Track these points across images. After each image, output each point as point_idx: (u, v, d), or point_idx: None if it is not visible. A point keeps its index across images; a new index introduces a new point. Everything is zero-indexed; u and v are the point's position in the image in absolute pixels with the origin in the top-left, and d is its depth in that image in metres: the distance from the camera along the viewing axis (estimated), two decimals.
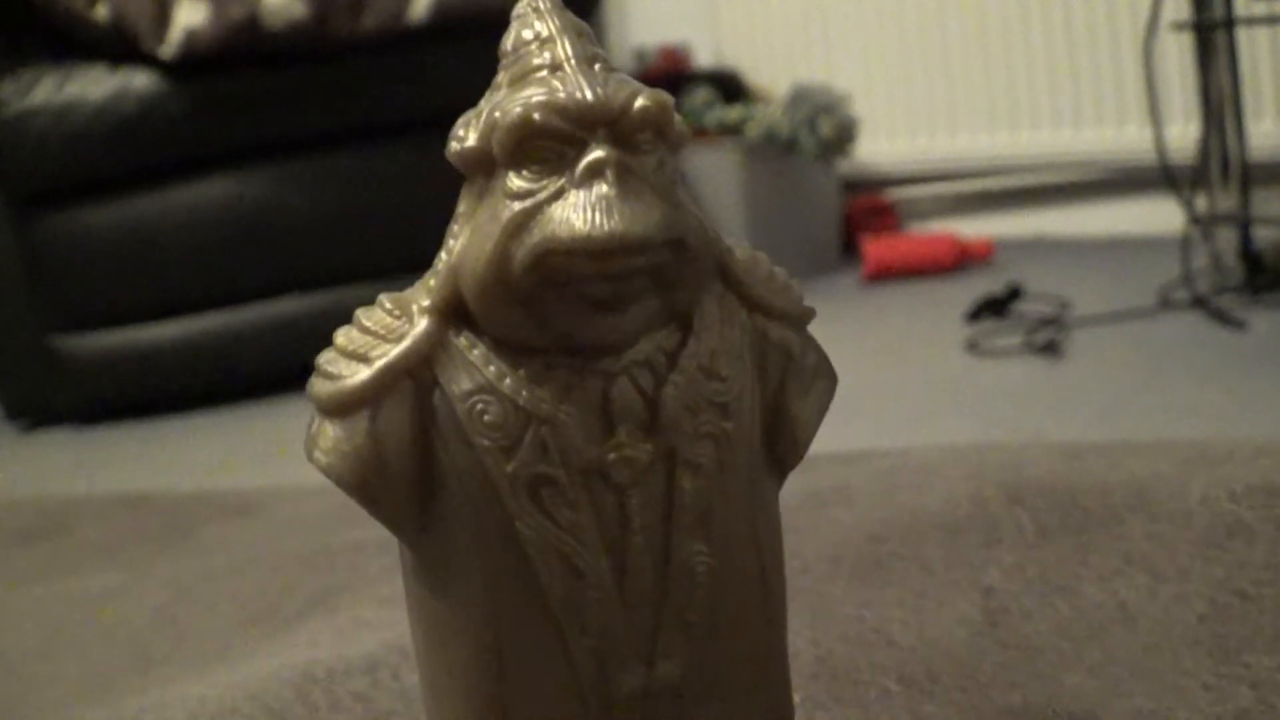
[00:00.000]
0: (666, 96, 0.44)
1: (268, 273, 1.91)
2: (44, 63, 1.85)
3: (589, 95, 0.43)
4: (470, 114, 0.46)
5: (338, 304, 1.90)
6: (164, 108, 1.84)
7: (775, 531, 0.50)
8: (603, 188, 0.43)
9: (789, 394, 0.49)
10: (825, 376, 0.50)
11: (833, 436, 1.01)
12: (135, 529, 1.23)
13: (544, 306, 0.44)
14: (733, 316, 0.47)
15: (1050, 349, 1.58)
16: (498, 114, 0.44)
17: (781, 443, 0.49)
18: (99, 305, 1.87)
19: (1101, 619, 0.70)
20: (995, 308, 1.81)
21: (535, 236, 0.43)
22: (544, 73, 0.45)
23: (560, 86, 0.44)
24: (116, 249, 1.86)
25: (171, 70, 1.83)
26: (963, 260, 2.24)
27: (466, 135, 0.45)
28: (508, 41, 0.46)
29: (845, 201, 2.48)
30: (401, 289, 0.47)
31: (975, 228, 2.45)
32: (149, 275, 1.88)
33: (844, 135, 2.33)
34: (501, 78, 0.46)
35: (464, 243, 0.45)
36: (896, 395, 1.48)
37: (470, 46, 1.91)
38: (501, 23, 0.48)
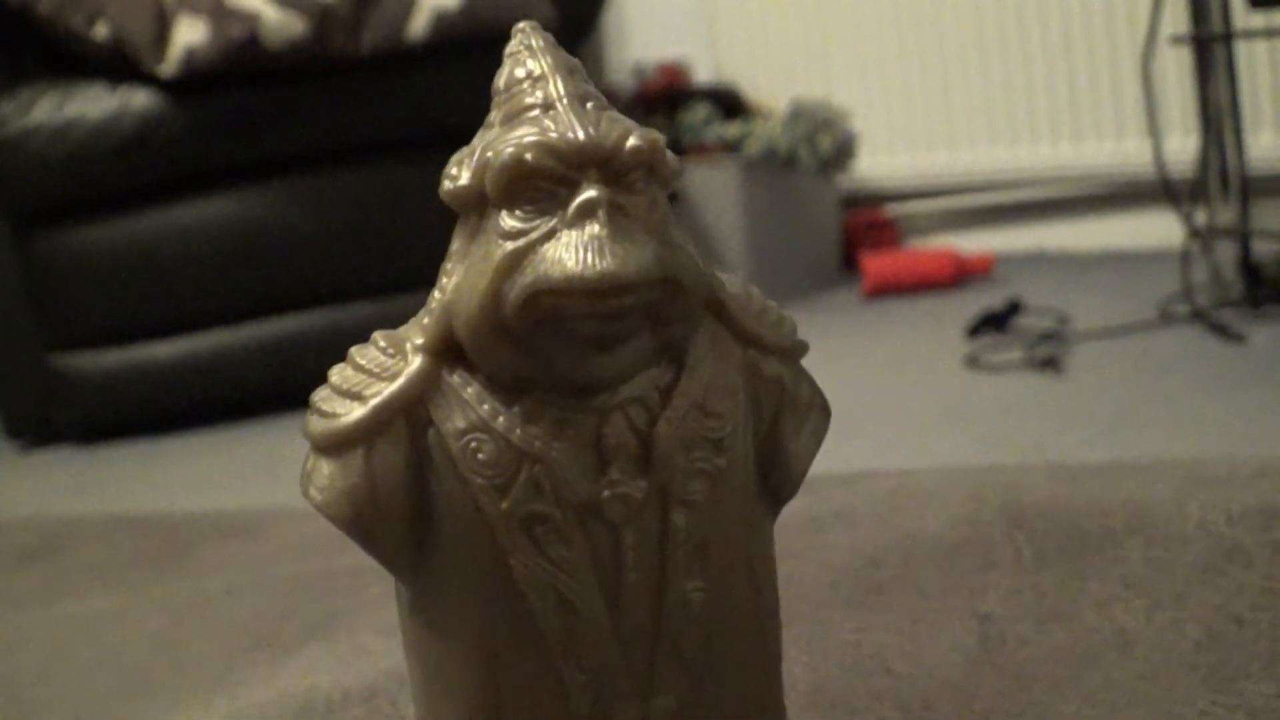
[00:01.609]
0: (658, 135, 0.44)
1: (267, 291, 1.91)
2: (44, 81, 1.85)
3: (581, 135, 0.43)
4: (463, 152, 0.46)
5: (337, 322, 1.91)
6: (163, 126, 1.84)
7: (770, 565, 0.50)
8: (595, 227, 0.43)
9: (783, 428, 0.49)
10: (819, 410, 0.50)
11: (832, 454, 1.01)
12: (134, 550, 1.23)
13: (537, 345, 0.44)
14: (726, 352, 0.48)
15: (1050, 364, 1.58)
16: (490, 154, 0.44)
17: (776, 476, 0.49)
18: (98, 323, 1.87)
19: (1098, 645, 0.70)
20: (995, 323, 1.81)
21: (528, 276, 0.43)
22: (536, 112, 0.45)
23: (552, 126, 0.44)
24: (116, 267, 1.86)
25: (171, 89, 1.84)
26: (963, 275, 2.23)
27: (459, 174, 0.45)
28: (500, 80, 0.47)
29: (845, 217, 2.48)
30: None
31: (975, 242, 2.45)
32: (148, 293, 1.88)
33: (843, 151, 2.33)
34: (494, 116, 0.46)
35: (457, 281, 0.45)
36: (896, 411, 1.48)
37: (469, 65, 1.92)
38: (500, 41, 0.48)
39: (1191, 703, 0.63)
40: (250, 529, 1.23)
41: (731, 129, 2.32)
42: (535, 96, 0.45)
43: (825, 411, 0.50)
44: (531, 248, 0.43)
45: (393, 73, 1.91)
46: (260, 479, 1.54)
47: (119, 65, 1.83)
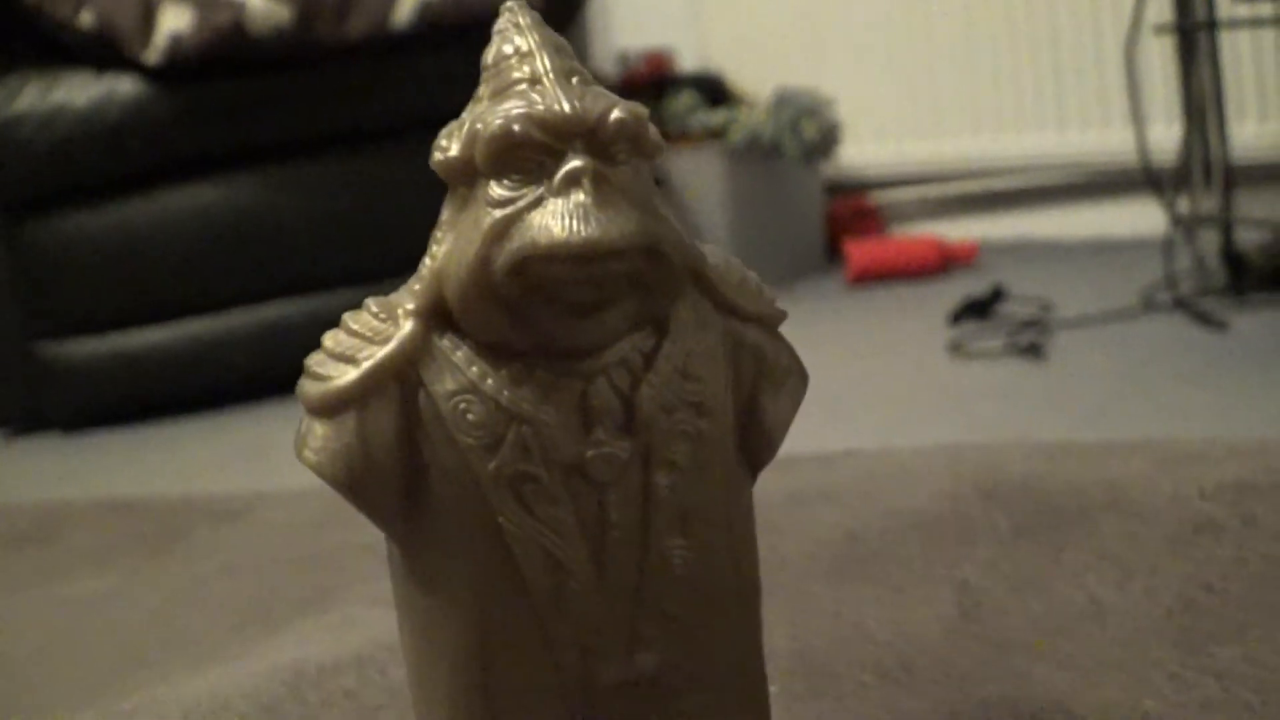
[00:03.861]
0: (641, 109, 0.46)
1: (253, 278, 1.92)
2: (29, 69, 1.86)
3: (566, 108, 0.45)
4: (453, 125, 0.47)
5: (323, 309, 1.91)
6: (149, 113, 1.85)
7: (749, 526, 0.51)
8: (580, 196, 0.44)
9: (762, 393, 0.50)
10: (796, 376, 0.52)
11: (816, 438, 1.02)
12: (125, 534, 1.24)
13: (524, 310, 0.45)
14: (707, 320, 0.49)
15: (1033, 351, 1.59)
16: (479, 126, 0.46)
17: (755, 440, 0.51)
18: (85, 311, 1.88)
19: (1073, 613, 0.72)
20: (978, 310, 1.82)
21: (515, 243, 0.44)
22: (524, 86, 0.46)
23: (539, 99, 0.45)
24: (103, 255, 1.87)
25: (156, 76, 1.84)
26: (946, 263, 2.25)
27: (449, 146, 0.47)
28: (489, 55, 0.48)
29: (829, 205, 2.50)
30: (387, 293, 0.49)
31: (959, 230, 2.47)
32: (135, 281, 1.88)
33: (828, 138, 2.34)
34: (483, 90, 0.48)
35: (447, 249, 0.46)
36: (880, 398, 1.49)
37: (454, 52, 1.93)
38: (485, 29, 0.49)
39: (1162, 666, 0.65)
40: (240, 512, 1.24)
41: (716, 117, 2.33)
42: (522, 71, 0.47)
43: (803, 377, 0.52)
44: (519, 215, 0.45)
45: (378, 61, 1.92)
46: (248, 465, 1.55)
47: (104, 53, 1.84)
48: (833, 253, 2.44)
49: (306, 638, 0.84)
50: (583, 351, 0.46)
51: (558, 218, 0.44)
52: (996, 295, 1.85)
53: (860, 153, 2.52)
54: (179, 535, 1.21)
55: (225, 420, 1.81)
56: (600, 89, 0.47)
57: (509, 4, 0.48)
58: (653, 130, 0.47)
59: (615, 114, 0.45)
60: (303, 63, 1.88)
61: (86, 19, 1.82)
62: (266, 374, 1.87)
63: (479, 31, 0.49)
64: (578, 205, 0.44)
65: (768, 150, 2.29)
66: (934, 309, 1.88)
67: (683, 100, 2.38)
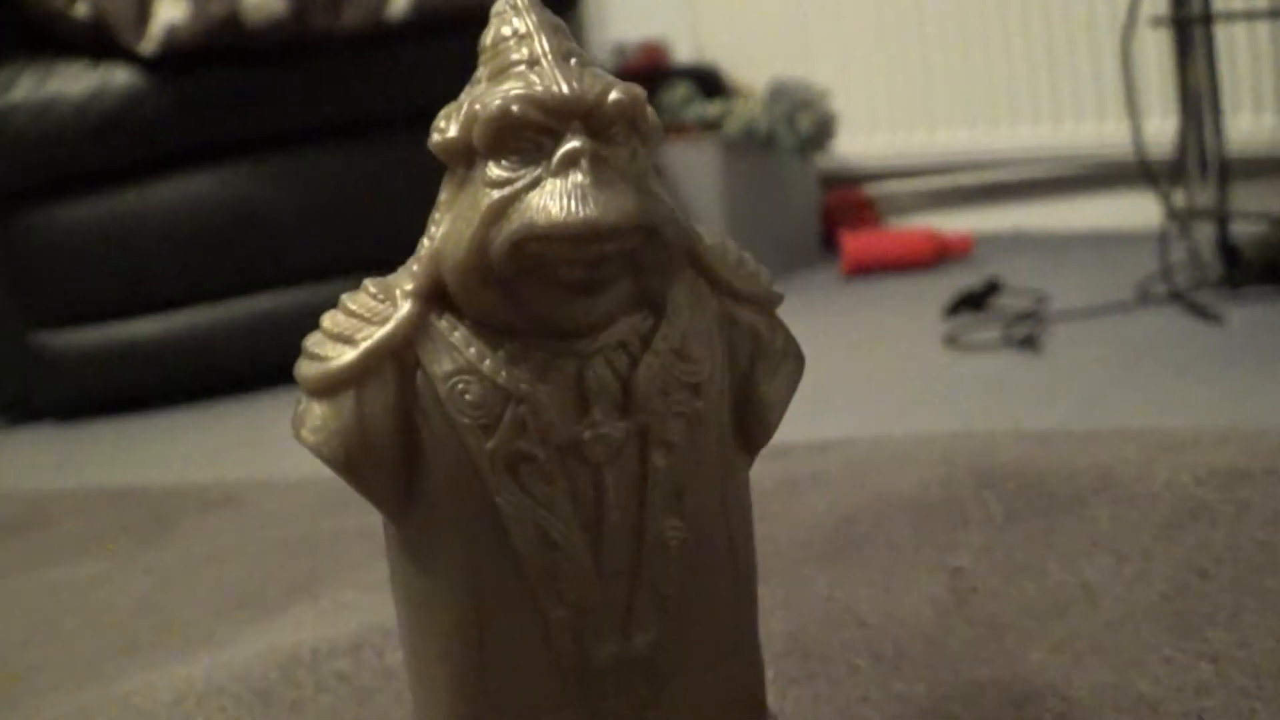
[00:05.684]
0: (639, 90, 0.46)
1: (248, 268, 1.92)
2: (23, 60, 1.86)
3: (565, 89, 0.45)
4: (451, 106, 0.47)
5: (318, 299, 1.90)
6: (144, 104, 1.85)
7: (745, 508, 0.52)
8: (578, 176, 0.44)
9: (758, 375, 0.51)
10: (793, 358, 0.52)
11: (811, 430, 1.03)
12: (118, 521, 1.24)
13: (522, 290, 0.45)
14: (703, 301, 0.49)
15: (1028, 343, 1.60)
16: (478, 106, 0.46)
17: (751, 422, 0.51)
18: (80, 301, 1.88)
19: (1066, 598, 0.72)
20: (974, 302, 1.82)
21: (514, 223, 0.45)
22: (522, 67, 0.46)
23: (537, 80, 0.46)
24: (97, 245, 1.87)
25: (151, 66, 1.84)
26: (942, 255, 2.25)
27: (448, 127, 0.47)
28: (487, 37, 0.48)
29: (824, 197, 2.50)
30: None
31: (954, 223, 2.47)
32: (130, 271, 1.88)
33: (823, 130, 2.34)
34: (481, 72, 0.48)
35: (445, 229, 0.46)
36: (875, 390, 1.49)
37: (449, 44, 1.93)
38: (480, 19, 0.50)
39: (1156, 650, 0.65)
40: (232, 500, 1.25)
41: (711, 108, 2.33)
42: (520, 53, 0.47)
43: (799, 359, 0.52)
44: (517, 196, 0.45)
45: (373, 51, 1.92)
46: (241, 454, 1.55)
47: (99, 43, 1.84)
48: (828, 245, 2.44)
49: (300, 622, 0.84)
50: (580, 332, 0.46)
51: (555, 198, 0.44)
52: (992, 288, 1.85)
53: (855, 145, 2.52)
54: (171, 523, 1.21)
55: (219, 410, 1.81)
56: (599, 70, 0.47)
57: None
58: (650, 112, 0.47)
59: (613, 95, 0.45)
60: (298, 53, 1.88)
61: (81, 9, 1.82)
62: (260, 365, 1.87)
63: (474, 22, 0.49)
64: (575, 186, 0.44)
65: (763, 142, 2.29)
66: (929, 301, 1.88)
67: (678, 92, 2.38)
